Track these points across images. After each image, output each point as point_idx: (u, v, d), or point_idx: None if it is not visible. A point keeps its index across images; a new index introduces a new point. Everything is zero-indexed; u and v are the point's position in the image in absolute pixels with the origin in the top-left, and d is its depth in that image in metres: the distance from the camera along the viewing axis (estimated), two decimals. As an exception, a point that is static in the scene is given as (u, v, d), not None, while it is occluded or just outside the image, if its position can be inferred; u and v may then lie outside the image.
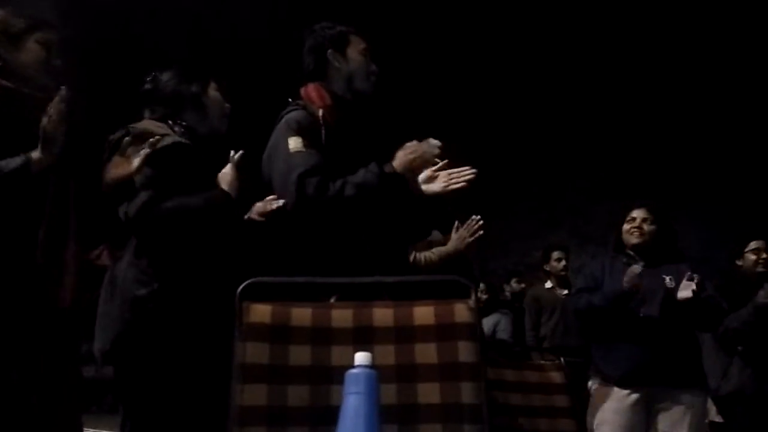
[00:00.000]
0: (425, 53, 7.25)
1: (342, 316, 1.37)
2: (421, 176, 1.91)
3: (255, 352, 1.29)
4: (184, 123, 1.96)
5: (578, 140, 7.92)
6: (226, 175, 1.95)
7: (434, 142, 1.82)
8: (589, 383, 2.76)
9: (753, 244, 3.42)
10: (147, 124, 1.93)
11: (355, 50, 1.93)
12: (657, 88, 7.51)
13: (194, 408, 1.78)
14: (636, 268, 2.54)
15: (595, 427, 2.62)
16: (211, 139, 2.01)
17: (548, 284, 4.46)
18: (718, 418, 4.16)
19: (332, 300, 1.57)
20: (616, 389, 2.59)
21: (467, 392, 1.32)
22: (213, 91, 2.04)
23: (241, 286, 1.31)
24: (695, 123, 7.41)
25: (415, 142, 1.84)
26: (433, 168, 1.92)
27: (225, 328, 1.36)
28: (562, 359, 2.68)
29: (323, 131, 1.81)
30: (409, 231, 2.23)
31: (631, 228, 2.76)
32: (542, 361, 2.91)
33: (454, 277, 1.42)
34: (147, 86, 2.02)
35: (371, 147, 1.92)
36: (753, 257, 3.37)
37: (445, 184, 1.89)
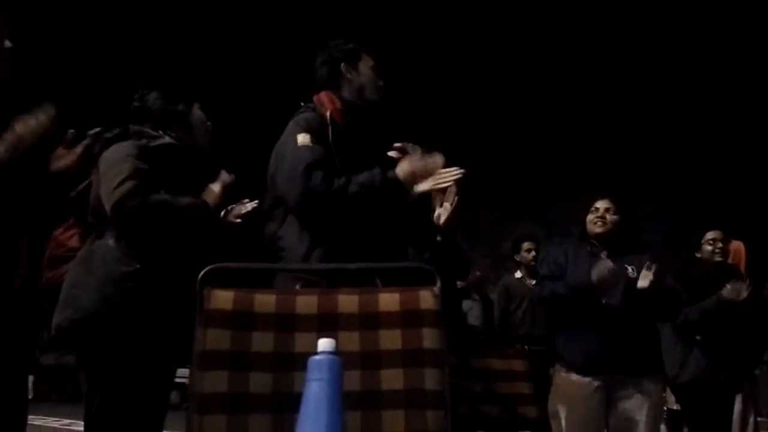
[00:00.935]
0: (394, 46, 7.23)
1: (306, 302, 1.35)
2: None
3: (216, 339, 1.26)
4: (173, 135, 2.11)
5: (546, 135, 8.03)
6: (212, 190, 2.10)
7: (439, 158, 1.92)
8: (552, 370, 2.80)
9: (709, 235, 3.53)
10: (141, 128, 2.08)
11: (366, 66, 2.10)
12: (621, 85, 7.65)
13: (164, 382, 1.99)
14: (607, 262, 2.57)
15: (556, 413, 2.66)
16: (195, 155, 2.16)
17: (518, 274, 4.51)
18: (675, 406, 4.29)
19: (297, 287, 1.55)
20: (577, 376, 2.63)
21: (430, 379, 1.32)
22: (197, 110, 2.21)
23: (202, 272, 1.29)
24: (658, 119, 7.56)
25: (420, 153, 1.94)
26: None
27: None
28: (526, 347, 2.73)
29: (330, 130, 1.94)
30: (406, 229, 2.25)
31: (595, 218, 2.80)
32: (507, 349, 2.95)
33: (418, 264, 1.42)
34: (135, 104, 2.16)
35: (376, 150, 2.05)
36: (709, 248, 3.47)
37: (434, 182, 1.95)
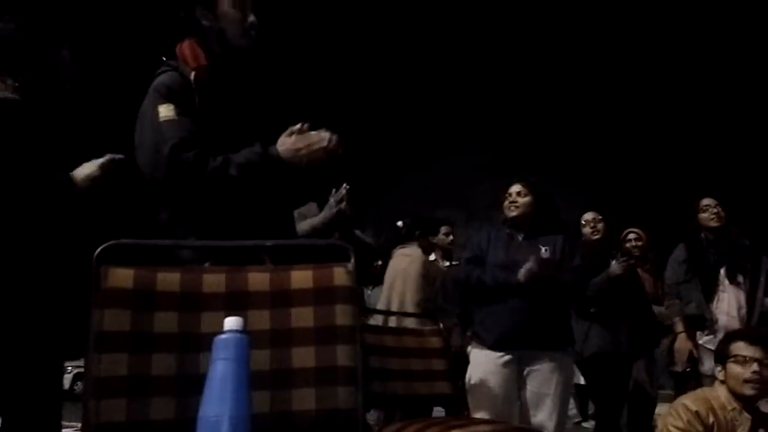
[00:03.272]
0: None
1: (214, 281, 1.30)
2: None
3: (114, 320, 1.19)
4: (22, 78, 1.82)
5: (466, 122, 8.17)
6: (86, 168, 1.87)
7: (327, 134, 1.73)
8: (468, 348, 2.87)
9: (586, 216, 3.76)
10: None
11: (226, 3, 1.78)
12: (538, 73, 7.88)
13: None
14: (534, 265, 2.63)
15: (472, 388, 2.73)
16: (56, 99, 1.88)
17: (432, 256, 4.59)
18: (581, 381, 4.54)
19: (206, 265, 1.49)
20: (490, 352, 2.71)
21: (342, 355, 1.31)
22: (65, 51, 1.94)
23: (98, 250, 1.20)
24: (574, 107, 7.87)
25: (306, 132, 1.73)
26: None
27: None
28: (441, 324, 2.77)
29: (197, 96, 1.69)
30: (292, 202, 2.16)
31: (508, 203, 2.88)
32: (422, 328, 2.99)
33: (334, 241, 1.40)
34: None
35: (249, 110, 1.81)
36: (588, 230, 3.71)
37: (310, 151, 1.75)
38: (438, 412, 4.09)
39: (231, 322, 1.14)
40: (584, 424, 5.62)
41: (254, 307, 1.29)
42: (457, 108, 8.14)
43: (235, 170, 1.64)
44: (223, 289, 1.29)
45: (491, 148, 7.92)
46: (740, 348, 2.26)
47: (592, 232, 3.80)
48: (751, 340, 2.27)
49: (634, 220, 4.70)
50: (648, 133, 7.52)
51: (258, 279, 1.31)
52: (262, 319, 1.29)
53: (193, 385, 1.19)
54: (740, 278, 3.43)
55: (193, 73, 1.71)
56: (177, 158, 1.59)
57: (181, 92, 1.68)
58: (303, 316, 1.32)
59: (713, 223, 3.53)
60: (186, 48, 1.76)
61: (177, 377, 1.22)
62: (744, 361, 2.22)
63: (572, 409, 6.04)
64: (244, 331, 1.16)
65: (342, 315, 1.33)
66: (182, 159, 1.59)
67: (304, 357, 1.30)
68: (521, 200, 2.86)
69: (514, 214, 2.86)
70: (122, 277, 1.22)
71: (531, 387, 2.70)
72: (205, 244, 1.52)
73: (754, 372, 2.18)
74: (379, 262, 5.17)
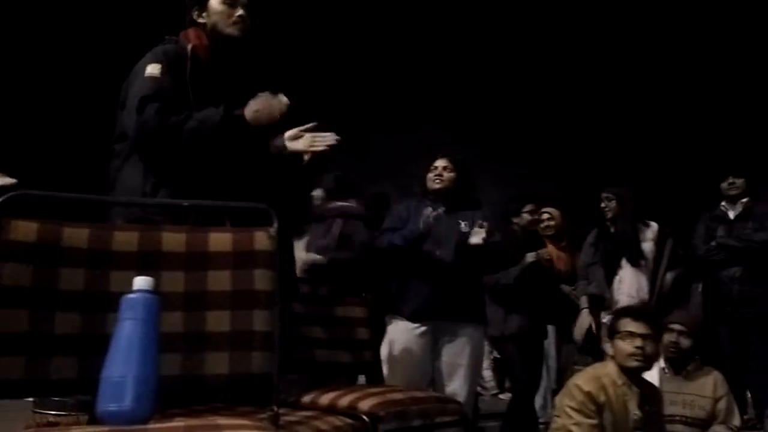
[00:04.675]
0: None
1: (125, 238, 1.24)
2: (289, 133, 1.98)
3: (14, 274, 1.12)
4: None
5: (402, 102, 8.19)
6: None
7: (284, 98, 1.87)
8: (386, 318, 2.89)
9: (528, 206, 3.88)
10: None
11: (216, 2, 1.96)
12: (486, 53, 7.93)
13: None
14: (428, 210, 2.69)
15: (387, 357, 2.77)
16: None
17: None
18: (496, 355, 4.74)
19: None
20: (407, 323, 2.75)
21: (260, 320, 1.29)
22: None
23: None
24: (501, 89, 8.00)
25: (267, 94, 1.87)
26: (301, 128, 1.99)
27: None
28: (365, 295, 2.79)
29: (189, 65, 1.83)
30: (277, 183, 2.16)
31: (434, 175, 2.91)
32: (348, 297, 3.00)
33: (257, 205, 1.36)
34: None
35: (240, 91, 1.93)
36: (529, 217, 3.82)
37: (308, 144, 1.94)
38: (361, 380, 4.17)
39: (140, 282, 1.10)
40: (501, 396, 5.84)
41: (168, 268, 1.25)
42: (400, 85, 8.13)
43: (195, 123, 1.75)
44: (134, 248, 1.24)
45: (432, 126, 7.97)
46: (626, 324, 2.34)
47: (531, 222, 3.88)
48: (636, 317, 2.36)
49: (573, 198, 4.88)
50: (589, 110, 7.75)
51: (173, 239, 1.27)
52: (176, 281, 1.25)
53: (99, 345, 1.15)
54: (642, 261, 3.64)
55: (190, 46, 1.87)
56: (142, 108, 1.72)
57: (174, 60, 1.82)
58: (220, 280, 1.29)
59: (610, 214, 3.77)
60: (191, 32, 1.95)
61: (82, 336, 1.17)
62: (628, 336, 2.31)
63: (490, 381, 6.27)
64: (155, 291, 1.12)
65: (261, 280, 1.31)
66: (146, 109, 1.72)
67: (219, 321, 1.28)
68: (446, 175, 2.90)
69: (437, 186, 2.90)
70: (24, 230, 1.15)
71: (445, 357, 2.76)
72: (126, 200, 1.47)
73: (637, 347, 2.28)
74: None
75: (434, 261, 2.70)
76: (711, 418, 2.67)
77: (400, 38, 7.90)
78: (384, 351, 2.78)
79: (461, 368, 2.74)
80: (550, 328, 4.26)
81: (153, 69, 1.78)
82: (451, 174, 2.90)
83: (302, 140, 1.98)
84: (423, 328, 2.74)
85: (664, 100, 7.47)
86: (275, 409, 1.23)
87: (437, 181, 2.89)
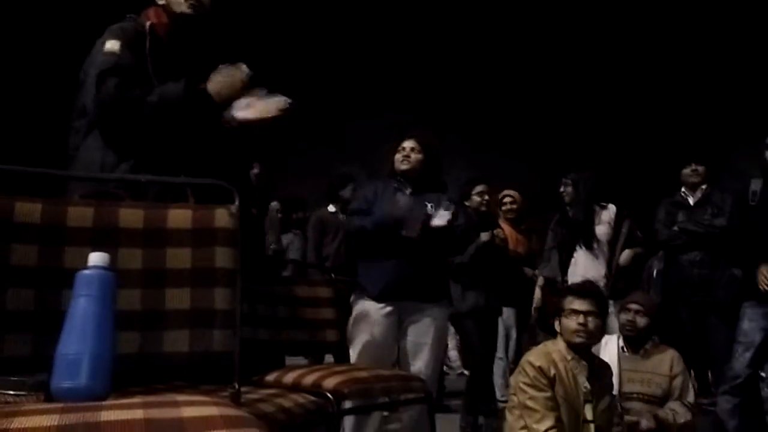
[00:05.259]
0: None
1: (80, 214, 1.21)
2: (238, 102, 1.93)
3: (-37, 249, 1.09)
4: None
5: (371, 83, 8.17)
6: None
7: (245, 69, 1.89)
8: (352, 298, 2.90)
9: (478, 188, 3.94)
10: None
11: None
12: (443, 30, 7.92)
13: None
14: (404, 198, 2.69)
15: (353, 337, 2.78)
16: None
17: (332, 208, 4.58)
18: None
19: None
20: (373, 303, 2.76)
21: (220, 298, 1.28)
22: None
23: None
24: (469, 70, 8.02)
25: (227, 66, 1.89)
26: (251, 95, 1.96)
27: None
28: (332, 275, 2.79)
29: (148, 41, 1.84)
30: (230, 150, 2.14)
31: (401, 156, 2.91)
32: (313, 277, 3.00)
33: (216, 182, 1.34)
34: None
35: (204, 70, 1.93)
36: (478, 199, 3.88)
37: (260, 111, 1.91)
38: (329, 359, 4.19)
39: (95, 258, 1.08)
40: (466, 374, 5.96)
41: (125, 245, 1.23)
42: (374, 68, 8.09)
43: (156, 97, 1.75)
44: (89, 224, 1.21)
45: (404, 109, 7.96)
46: (570, 302, 2.43)
47: (482, 203, 3.94)
48: (579, 294, 2.44)
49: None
50: (557, 93, 7.83)
51: (130, 215, 1.24)
52: (134, 258, 1.23)
53: (53, 322, 1.12)
54: (594, 245, 3.75)
55: (149, 23, 1.88)
56: (102, 82, 1.72)
57: (133, 36, 1.83)
58: (179, 257, 1.27)
59: (567, 199, 3.94)
60: (151, 10, 1.95)
61: (36, 313, 1.15)
62: (572, 313, 2.39)
63: (456, 361, 6.37)
64: (111, 268, 1.10)
65: (222, 258, 1.30)
66: (105, 83, 1.72)
67: (178, 298, 1.27)
68: (414, 156, 2.90)
69: (405, 167, 2.90)
70: (-27, 204, 1.12)
71: (411, 337, 2.79)
72: (85, 176, 1.44)
73: (580, 323, 2.36)
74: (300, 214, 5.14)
75: (400, 241, 2.71)
76: (667, 395, 2.76)
77: (369, 22, 7.86)
78: (350, 331, 2.80)
79: (426, 347, 2.77)
80: (510, 310, 4.35)
81: (112, 45, 1.79)
82: (419, 155, 2.90)
83: (253, 109, 1.94)
84: (389, 308, 2.75)
85: (633, 87, 7.58)
86: (236, 386, 1.22)
87: (405, 162, 2.89)
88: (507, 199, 4.46)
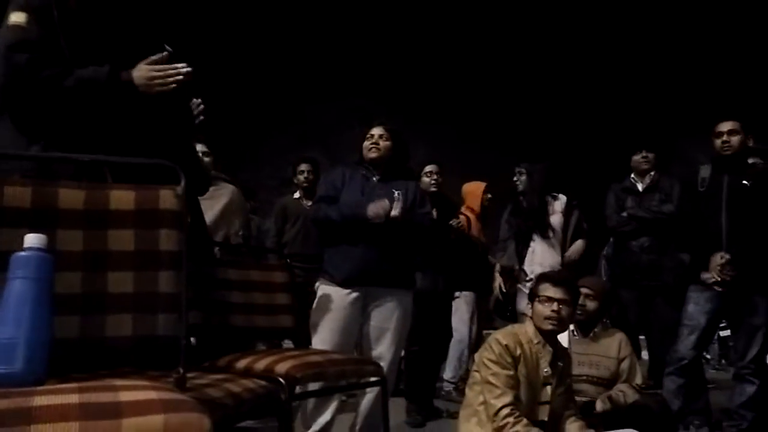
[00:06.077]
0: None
1: (17, 194, 1.17)
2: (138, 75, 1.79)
3: None
4: None
5: (337, 69, 8.10)
6: None
7: (183, 67, 1.77)
8: (317, 284, 2.90)
9: (427, 168, 3.98)
10: None
11: None
12: (405, 25, 7.91)
13: None
14: (384, 202, 2.67)
15: (316, 323, 2.78)
16: None
17: (296, 195, 4.54)
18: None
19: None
20: (339, 289, 2.76)
21: (165, 281, 1.26)
22: None
23: None
24: (429, 56, 8.04)
25: (163, 57, 1.77)
26: (149, 67, 1.78)
27: None
28: (288, 260, 2.77)
29: (56, 12, 1.70)
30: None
31: (370, 144, 2.90)
32: (269, 262, 2.98)
33: (162, 162, 1.31)
34: None
35: (118, 40, 1.83)
36: (427, 179, 3.93)
37: (160, 84, 1.77)
38: (288, 345, 4.17)
39: (31, 239, 1.04)
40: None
41: (65, 226, 1.19)
42: (332, 54, 8.03)
43: (73, 82, 1.63)
44: (27, 204, 1.16)
45: (364, 93, 7.93)
46: (545, 289, 2.48)
47: (431, 184, 3.97)
48: (555, 282, 2.49)
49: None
50: (517, 81, 7.92)
51: (70, 196, 1.20)
52: (74, 240, 1.19)
53: (-13, 306, 1.08)
54: (550, 233, 3.84)
55: None
56: (9, 58, 1.60)
57: (39, 6, 1.69)
58: (122, 239, 1.24)
59: (521, 188, 4.00)
60: None
61: (-32, 298, 1.10)
62: (547, 300, 2.45)
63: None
64: (49, 249, 1.07)
65: (167, 240, 1.27)
66: (14, 59, 1.60)
67: (121, 282, 1.24)
68: (382, 143, 2.90)
69: (373, 155, 2.90)
70: None
71: (374, 322, 2.80)
72: (14, 154, 1.38)
73: (553, 311, 2.42)
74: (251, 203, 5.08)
75: (366, 228, 2.71)
76: (615, 378, 2.84)
77: (327, 6, 7.78)
78: (313, 316, 2.79)
79: (388, 332, 2.79)
80: (469, 294, 4.41)
81: (17, 17, 1.66)
82: (387, 143, 2.91)
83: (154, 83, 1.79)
84: (354, 294, 2.76)
85: (586, 77, 7.72)
86: (181, 371, 1.21)
87: (373, 149, 2.90)
88: (488, 195, 4.55)
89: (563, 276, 2.64)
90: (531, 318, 2.50)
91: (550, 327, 2.43)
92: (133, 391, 0.90)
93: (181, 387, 1.20)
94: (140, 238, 1.25)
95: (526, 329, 2.48)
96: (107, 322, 1.21)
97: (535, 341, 2.44)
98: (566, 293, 2.45)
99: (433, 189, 3.98)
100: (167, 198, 1.28)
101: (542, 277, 2.60)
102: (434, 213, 3.62)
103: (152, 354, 1.32)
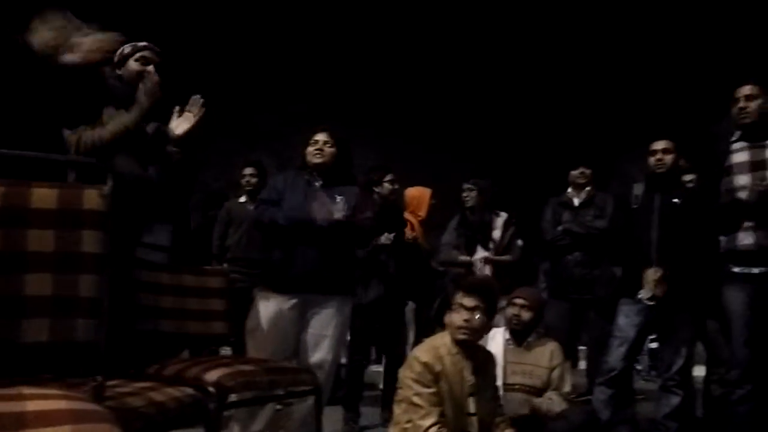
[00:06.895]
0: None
1: (-74, 189, 1.10)
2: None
3: None
4: None
5: (276, 73, 8.06)
6: None
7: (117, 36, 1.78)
8: (255, 289, 2.85)
9: (390, 176, 4.02)
10: None
11: None
12: (356, 30, 7.95)
13: None
14: (326, 201, 2.67)
15: (253, 330, 2.72)
16: None
17: (242, 198, 4.47)
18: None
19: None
20: (277, 295, 2.72)
21: (86, 285, 1.21)
22: None
23: None
24: (374, 61, 8.10)
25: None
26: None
27: None
28: (225, 265, 2.71)
29: None
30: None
31: (314, 150, 2.88)
32: (205, 267, 2.90)
33: (91, 160, 1.26)
34: None
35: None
36: (390, 186, 3.98)
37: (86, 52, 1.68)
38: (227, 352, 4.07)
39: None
40: (373, 368, 6.00)
41: (-21, 225, 1.13)
42: (282, 57, 7.97)
43: None
44: (-63, 200, 1.10)
45: (309, 98, 7.89)
46: (459, 297, 2.41)
47: (392, 192, 4.01)
48: (467, 290, 2.40)
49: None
50: (466, 90, 8.05)
51: (-14, 193, 1.14)
52: (-12, 239, 1.13)
53: None
54: (491, 245, 4.05)
55: None
56: None
57: None
58: (41, 239, 1.18)
59: (470, 203, 4.15)
60: None
61: None
62: (459, 308, 2.38)
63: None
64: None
65: (89, 242, 1.22)
66: None
67: (39, 284, 1.18)
68: (326, 149, 2.89)
69: (318, 161, 2.88)
70: None
71: (312, 329, 2.77)
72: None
73: (465, 320, 2.35)
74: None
75: (309, 234, 2.69)
76: (547, 386, 2.90)
77: (281, 11, 7.73)
78: (250, 323, 2.74)
79: (326, 339, 2.76)
80: (410, 305, 4.44)
81: None
82: (332, 149, 2.90)
83: (78, 49, 1.69)
84: (293, 301, 2.73)
85: (530, 96, 7.93)
86: (98, 379, 1.16)
87: (318, 155, 2.87)
88: (433, 201, 4.60)
89: (476, 283, 2.56)
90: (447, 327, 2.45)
91: (461, 336, 2.36)
92: (41, 401, 0.85)
93: (99, 396, 1.15)
94: (61, 239, 1.20)
95: (445, 340, 2.41)
96: (23, 326, 1.15)
97: (455, 351, 2.37)
98: (479, 300, 2.37)
99: (392, 197, 4.01)
100: (92, 198, 1.23)
101: (456, 285, 2.55)
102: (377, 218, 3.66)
103: (71, 360, 1.26)
